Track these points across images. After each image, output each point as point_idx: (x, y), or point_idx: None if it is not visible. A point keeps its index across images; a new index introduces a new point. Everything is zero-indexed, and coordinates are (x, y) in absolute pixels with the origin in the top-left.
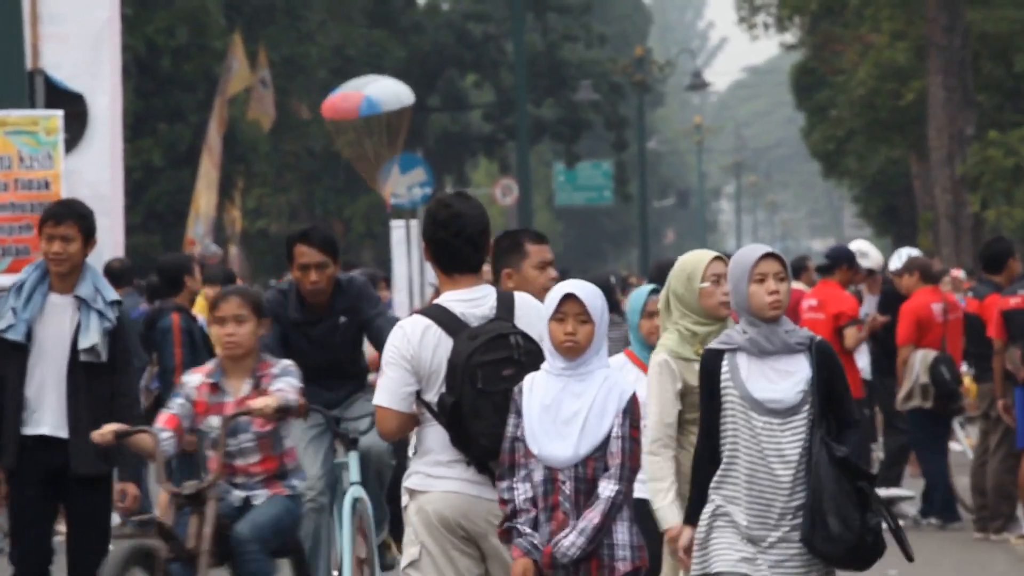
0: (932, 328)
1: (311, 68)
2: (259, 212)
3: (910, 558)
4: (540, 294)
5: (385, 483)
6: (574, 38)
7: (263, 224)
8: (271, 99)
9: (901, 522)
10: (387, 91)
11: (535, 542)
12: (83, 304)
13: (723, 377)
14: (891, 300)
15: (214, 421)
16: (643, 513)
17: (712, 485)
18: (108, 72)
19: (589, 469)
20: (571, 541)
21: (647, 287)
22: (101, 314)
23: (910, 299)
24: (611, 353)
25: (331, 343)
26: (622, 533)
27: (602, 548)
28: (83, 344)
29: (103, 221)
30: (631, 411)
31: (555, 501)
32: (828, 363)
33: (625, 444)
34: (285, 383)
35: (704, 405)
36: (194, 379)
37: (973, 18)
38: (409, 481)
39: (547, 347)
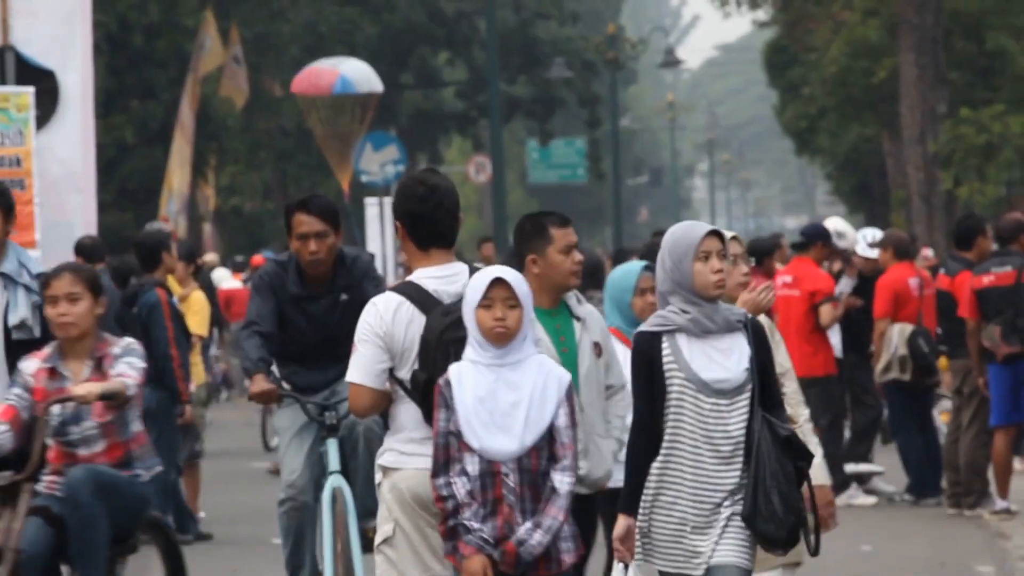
0: (909, 302)
1: (283, 45)
2: (232, 190)
3: (814, 552)
4: (567, 279)
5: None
6: (547, 16)
7: (236, 202)
8: (244, 76)
9: (874, 499)
10: (361, 72)
11: (486, 537)
12: (8, 280)
13: (665, 360)
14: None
15: (56, 409)
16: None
17: (654, 472)
18: (79, 49)
19: (533, 460)
20: (538, 540)
21: (637, 264)
22: (28, 288)
23: (886, 273)
24: None
25: (330, 321)
26: (567, 524)
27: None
28: (12, 321)
29: (75, 198)
30: (570, 397)
31: (498, 494)
32: (762, 341)
33: (572, 433)
34: (126, 365)
35: (643, 392)
36: (31, 365)
37: None
38: (383, 459)
39: (474, 336)
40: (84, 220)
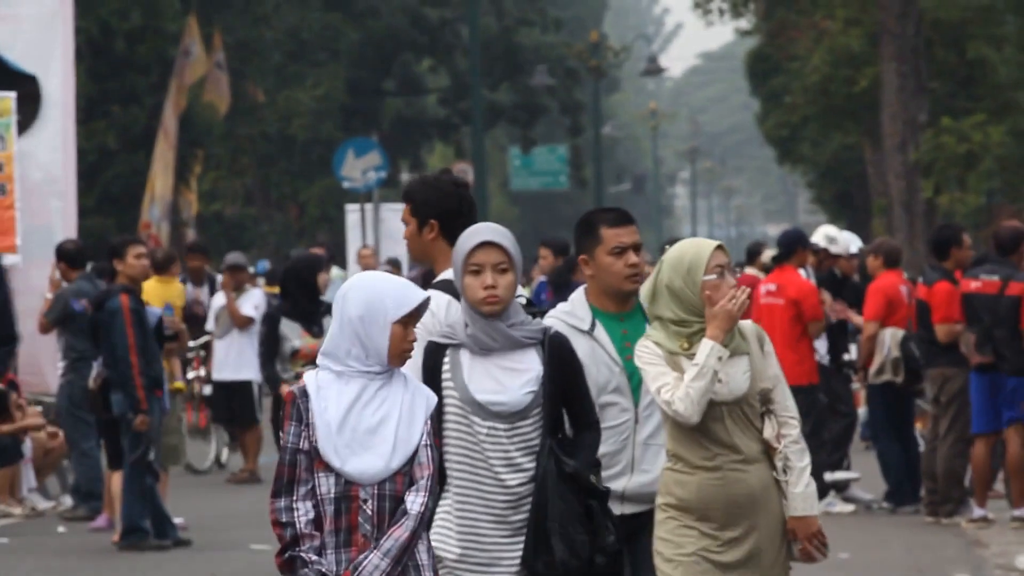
0: (900, 308)
1: (266, 51)
2: (213, 195)
3: None
4: (620, 283)
5: None
6: (529, 23)
7: (218, 207)
8: (226, 82)
9: (852, 507)
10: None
11: (324, 571)
12: None
13: (444, 376)
14: (830, 283)
15: None
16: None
17: (447, 499)
18: (61, 54)
19: (398, 484)
20: (374, 564)
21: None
22: None
23: (878, 279)
24: None
25: None
26: (424, 553)
27: (408, 571)
28: None
29: (56, 203)
30: (433, 419)
31: (352, 522)
32: (563, 357)
33: (432, 453)
34: None
35: None
36: None
37: (926, 5)
38: None
39: (367, 348)
40: (64, 225)
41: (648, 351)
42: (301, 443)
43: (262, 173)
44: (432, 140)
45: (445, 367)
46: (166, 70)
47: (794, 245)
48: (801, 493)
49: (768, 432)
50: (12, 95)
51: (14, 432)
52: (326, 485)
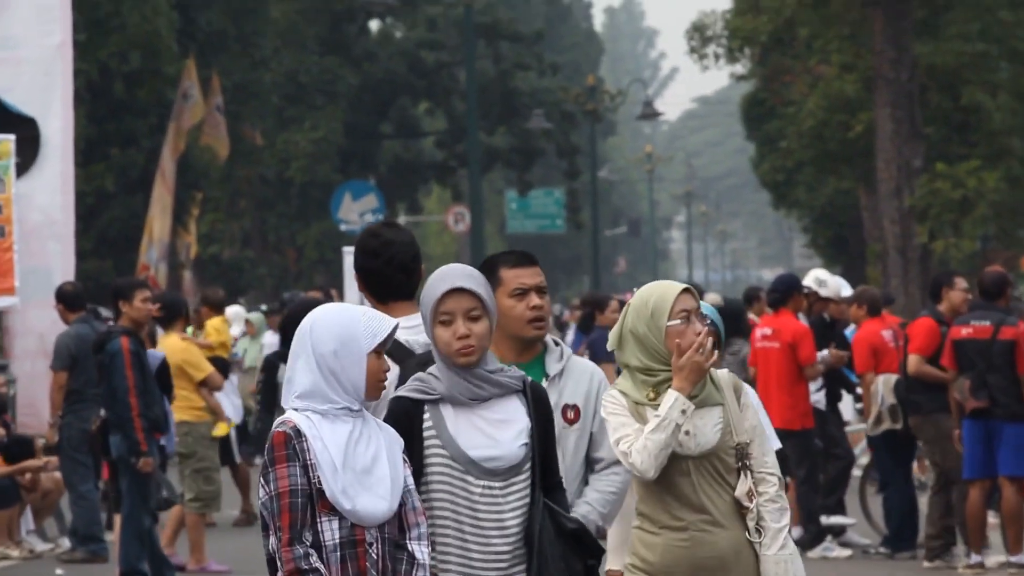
0: (886, 354)
1: (264, 94)
2: (211, 237)
3: None
4: (521, 328)
5: None
6: (526, 67)
7: (216, 249)
8: (225, 127)
9: (848, 551)
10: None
11: None
12: None
13: (427, 433)
14: (820, 327)
15: None
16: None
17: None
18: (60, 96)
19: (395, 527)
20: None
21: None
22: None
23: (860, 329)
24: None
25: None
26: None
27: None
28: None
29: (54, 245)
30: (407, 459)
31: (361, 568)
32: (545, 407)
33: (418, 495)
34: None
35: None
36: None
37: (921, 51)
38: None
39: (342, 383)
40: (63, 267)
41: (613, 401)
42: (306, 484)
43: (260, 216)
44: (429, 183)
45: (427, 424)
46: (165, 113)
47: (790, 290)
48: (774, 556)
49: (740, 489)
50: (11, 137)
51: (14, 473)
52: (330, 530)
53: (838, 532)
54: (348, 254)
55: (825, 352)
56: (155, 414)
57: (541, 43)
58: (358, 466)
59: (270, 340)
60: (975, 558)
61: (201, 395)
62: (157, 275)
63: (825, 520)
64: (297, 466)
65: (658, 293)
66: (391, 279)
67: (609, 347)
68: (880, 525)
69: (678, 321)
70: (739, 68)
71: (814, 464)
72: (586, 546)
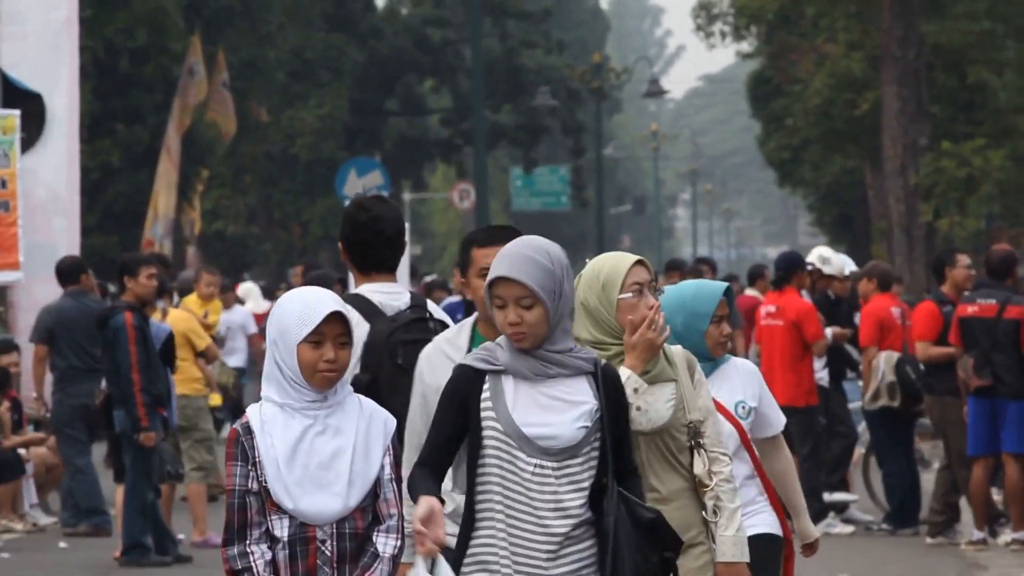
0: (893, 330)
1: (269, 71)
2: (215, 213)
3: None
4: (486, 307)
5: None
6: (532, 44)
7: (220, 226)
8: (232, 104)
9: (851, 528)
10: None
11: None
12: None
13: (483, 405)
14: (824, 304)
15: None
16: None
17: (471, 547)
18: (66, 73)
19: (358, 522)
20: None
21: (715, 284)
22: None
23: (869, 303)
24: None
25: None
26: None
27: None
28: None
29: (59, 221)
30: (395, 444)
31: (311, 565)
32: (616, 393)
33: (396, 487)
34: None
35: (439, 428)
36: None
37: (927, 30)
38: None
39: (287, 374)
40: (68, 242)
41: None
42: (249, 484)
43: (265, 192)
44: (434, 160)
45: (485, 395)
46: (170, 89)
47: (794, 268)
48: (732, 537)
49: (699, 468)
50: (16, 113)
51: (15, 447)
52: (280, 528)
53: (841, 509)
54: None
55: (828, 330)
56: (158, 389)
57: (547, 21)
58: (312, 462)
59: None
60: (977, 535)
61: (198, 366)
62: (162, 251)
63: (828, 497)
64: (240, 466)
65: (610, 265)
66: (377, 253)
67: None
68: (883, 501)
69: (630, 294)
70: (745, 46)
71: (818, 441)
72: (663, 537)
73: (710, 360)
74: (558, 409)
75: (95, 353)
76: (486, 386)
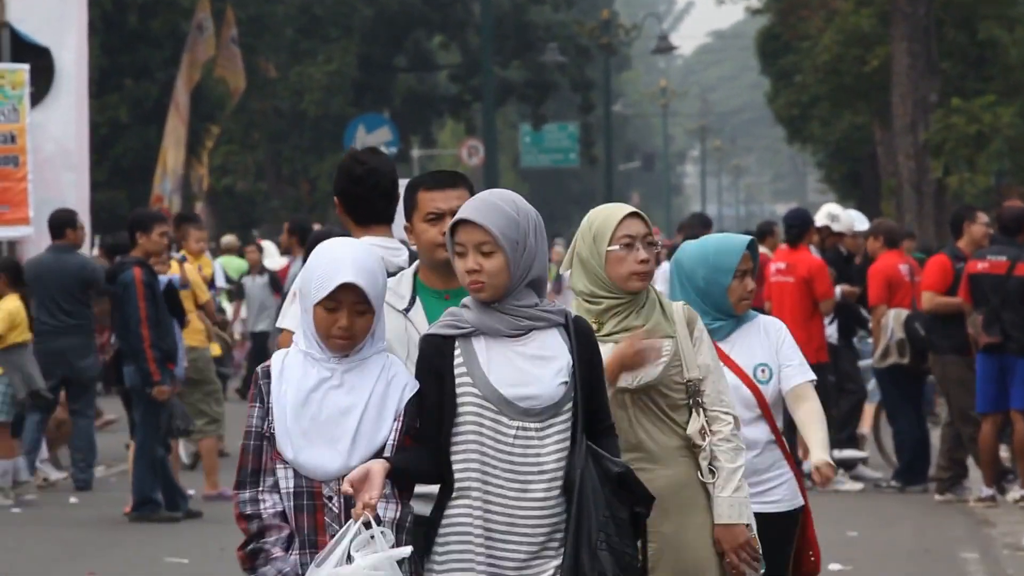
0: (901, 288)
1: (278, 27)
2: (224, 169)
3: None
4: (432, 253)
5: None
6: (541, 1)
7: (229, 181)
8: (240, 59)
9: (860, 485)
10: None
11: (287, 571)
12: None
13: (457, 371)
14: (836, 261)
15: None
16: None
17: (443, 519)
18: (75, 27)
19: None
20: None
21: (738, 238)
22: None
23: (877, 261)
24: None
25: None
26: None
27: None
28: None
29: (69, 176)
30: (409, 413)
31: (319, 521)
32: (591, 344)
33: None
34: None
35: (429, 411)
36: None
37: None
38: None
39: (308, 330)
40: (77, 198)
41: None
42: (265, 428)
43: (274, 148)
44: (443, 116)
45: (457, 360)
46: (179, 44)
47: (808, 224)
48: (728, 498)
49: (692, 427)
50: (25, 67)
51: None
52: (284, 478)
53: (850, 466)
54: None
55: (838, 288)
56: (168, 344)
57: None
58: (322, 415)
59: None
60: (986, 491)
61: (199, 317)
62: (171, 207)
63: (838, 454)
64: (258, 407)
65: (603, 216)
66: (374, 205)
67: (561, 270)
68: (892, 458)
69: (617, 247)
70: (754, 2)
71: (826, 399)
72: (633, 492)
73: (732, 317)
74: (536, 366)
75: (70, 310)
76: (457, 351)
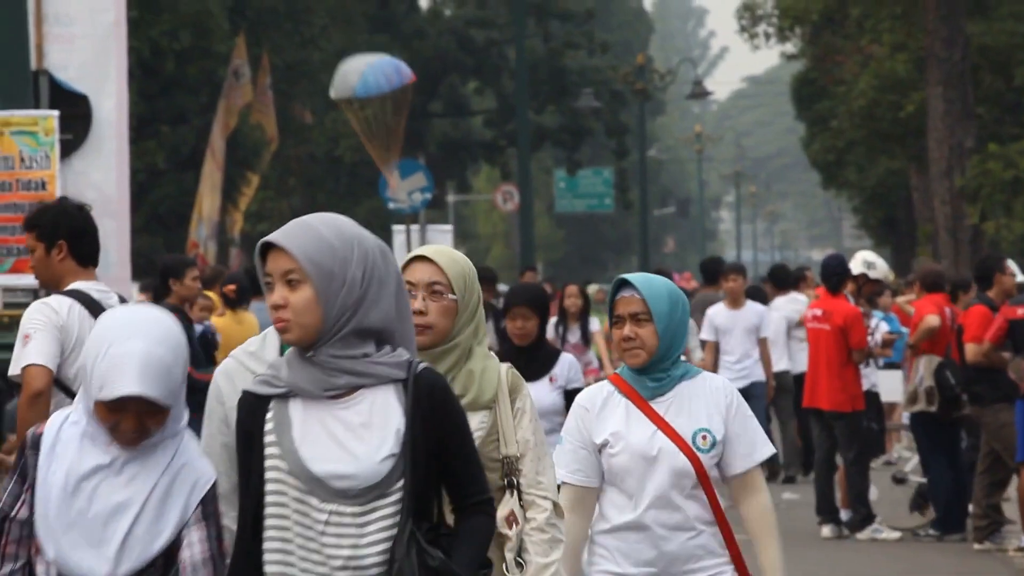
0: (942, 333)
1: (314, 73)
2: (261, 215)
3: None
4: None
5: None
6: (576, 45)
7: (265, 227)
8: (272, 106)
9: (898, 533)
10: (381, 69)
11: None
12: None
13: (267, 439)
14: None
15: None
16: None
17: None
18: (115, 75)
19: None
20: None
21: (617, 280)
22: None
23: (920, 301)
24: None
25: None
26: None
27: None
28: None
29: (109, 223)
30: (214, 513)
31: None
32: (436, 402)
33: (213, 570)
34: None
35: (241, 483)
36: None
37: (973, 31)
38: None
39: (88, 412)
40: (118, 245)
41: None
42: (17, 509)
43: (309, 194)
44: (478, 162)
45: (268, 427)
46: (215, 90)
47: (847, 272)
48: (543, 564)
49: (502, 511)
50: (55, 114)
51: None
52: (44, 572)
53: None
54: (397, 232)
55: (878, 334)
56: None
57: (591, 22)
58: (91, 510)
59: None
60: None
61: None
62: (206, 253)
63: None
64: (14, 484)
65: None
66: (96, 247)
67: None
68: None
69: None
70: (789, 47)
71: (864, 446)
72: None
73: (670, 373)
74: (355, 437)
75: None
76: (269, 415)
